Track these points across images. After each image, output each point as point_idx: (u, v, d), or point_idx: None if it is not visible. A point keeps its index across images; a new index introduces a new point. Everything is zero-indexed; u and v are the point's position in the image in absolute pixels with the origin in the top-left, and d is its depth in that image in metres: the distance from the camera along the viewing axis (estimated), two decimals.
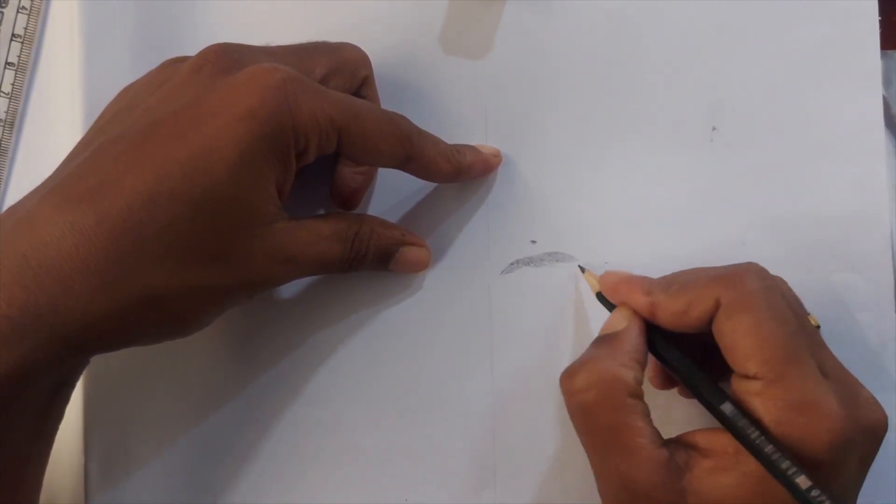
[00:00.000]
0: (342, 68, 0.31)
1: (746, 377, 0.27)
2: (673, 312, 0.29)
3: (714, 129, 0.35)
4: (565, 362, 0.33)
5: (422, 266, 0.34)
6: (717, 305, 0.28)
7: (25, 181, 0.35)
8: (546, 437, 0.34)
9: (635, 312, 0.30)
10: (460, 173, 0.32)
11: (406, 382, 0.34)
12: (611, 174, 0.35)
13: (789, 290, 0.30)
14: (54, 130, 0.35)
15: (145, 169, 0.25)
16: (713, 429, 0.28)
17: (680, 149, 0.35)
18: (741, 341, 0.27)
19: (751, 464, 0.26)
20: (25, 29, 0.35)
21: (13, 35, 0.35)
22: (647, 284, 0.30)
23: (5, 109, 0.35)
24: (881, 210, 0.34)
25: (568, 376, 0.29)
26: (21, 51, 0.35)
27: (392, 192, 0.35)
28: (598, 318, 0.34)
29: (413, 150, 0.30)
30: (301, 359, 0.34)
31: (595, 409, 0.28)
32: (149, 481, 0.33)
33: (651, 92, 0.35)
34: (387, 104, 0.34)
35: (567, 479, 0.34)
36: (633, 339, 0.29)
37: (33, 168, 0.35)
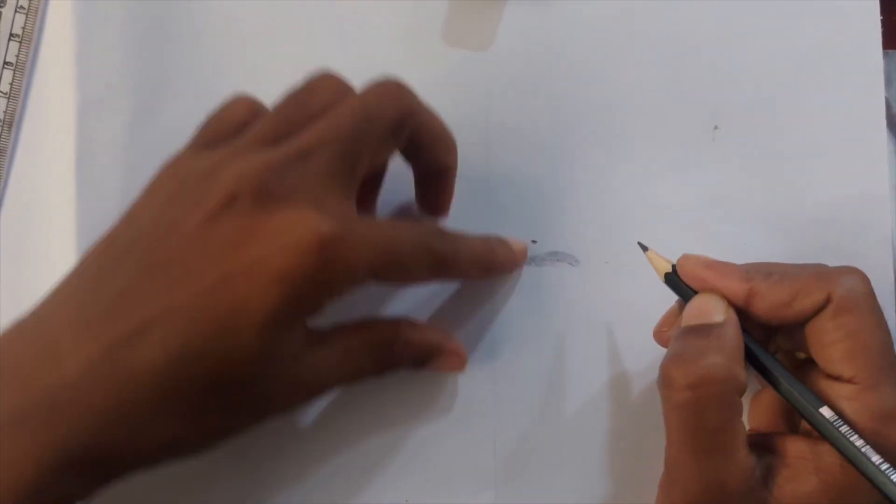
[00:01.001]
0: (386, 146, 0.29)
1: (837, 379, 0.27)
2: (773, 303, 0.27)
3: (716, 128, 0.35)
4: (566, 362, 0.33)
5: (457, 371, 0.33)
6: (827, 301, 0.27)
7: (24, 181, 0.35)
8: (546, 438, 0.34)
9: (729, 303, 0.28)
10: (490, 274, 0.33)
11: (406, 382, 0.34)
12: (612, 173, 0.35)
13: None
14: (52, 130, 0.35)
15: (177, 322, 0.25)
16: (790, 436, 0.28)
17: (682, 148, 0.35)
18: (843, 343, 0.26)
19: (834, 473, 0.26)
20: (24, 28, 0.35)
21: (11, 34, 0.35)
22: (744, 269, 0.28)
23: (4, 109, 0.34)
24: (882, 210, 0.34)
25: (677, 368, 0.27)
26: (19, 50, 0.35)
27: (392, 193, 0.35)
28: (598, 319, 0.34)
29: (446, 273, 0.30)
30: None
31: (709, 405, 0.26)
32: (147, 482, 0.33)
33: (653, 90, 0.35)
34: None
35: (567, 480, 0.34)
36: (735, 333, 0.28)
37: (32, 168, 0.35)
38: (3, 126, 0.35)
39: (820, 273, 0.28)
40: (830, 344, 0.27)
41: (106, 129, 0.34)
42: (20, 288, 0.34)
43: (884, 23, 0.35)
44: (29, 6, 0.35)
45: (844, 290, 0.27)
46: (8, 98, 0.35)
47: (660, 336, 0.32)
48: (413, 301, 0.34)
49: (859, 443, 0.25)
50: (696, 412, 0.26)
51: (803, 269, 0.28)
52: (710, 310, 0.28)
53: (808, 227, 0.34)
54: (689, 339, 0.28)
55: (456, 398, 0.34)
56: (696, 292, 0.29)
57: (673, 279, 0.30)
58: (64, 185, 0.33)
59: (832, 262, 0.34)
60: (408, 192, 0.35)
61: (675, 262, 0.30)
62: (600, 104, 0.35)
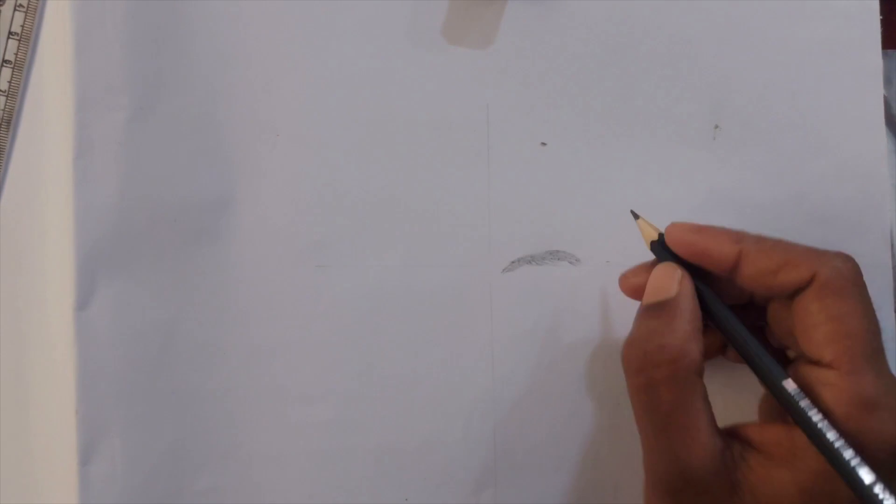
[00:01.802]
0: None
1: (817, 364, 0.26)
2: (760, 269, 0.27)
3: (717, 127, 0.35)
4: (567, 361, 0.33)
5: None
6: (812, 279, 0.26)
7: (22, 179, 0.35)
8: (546, 437, 0.34)
9: (684, 273, 0.28)
10: None
11: (406, 382, 0.34)
12: (613, 172, 0.35)
13: None
14: (50, 129, 0.35)
15: None
16: (766, 423, 0.27)
17: (682, 146, 0.35)
18: (826, 325, 0.26)
19: (807, 459, 0.25)
20: (22, 27, 0.35)
21: (10, 32, 0.34)
22: (735, 233, 0.28)
23: (2, 107, 0.34)
24: (883, 209, 0.34)
25: (631, 351, 0.27)
26: (18, 48, 0.34)
27: (392, 192, 0.35)
28: (598, 318, 0.34)
29: None
30: (300, 359, 0.34)
31: (661, 388, 0.26)
32: (146, 483, 0.33)
33: (654, 90, 0.35)
34: (388, 100, 0.34)
35: (567, 479, 0.34)
36: (690, 306, 0.27)
37: (30, 166, 0.35)
38: (1, 124, 0.34)
39: (812, 250, 0.27)
40: (812, 326, 0.26)
41: (104, 128, 0.34)
42: (18, 287, 0.34)
43: (883, 23, 0.35)
44: (28, 4, 0.34)
45: (831, 271, 0.26)
46: (6, 96, 0.34)
47: (623, 282, 0.31)
48: (413, 301, 0.34)
49: (817, 418, 0.25)
50: (649, 394, 0.27)
51: (797, 244, 0.28)
52: (664, 284, 0.28)
53: (808, 227, 0.34)
54: (643, 319, 0.28)
55: (456, 398, 0.34)
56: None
57: (657, 248, 0.29)
58: (62, 183, 0.33)
59: None
60: (408, 191, 0.35)
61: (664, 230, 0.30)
62: (600, 104, 0.35)
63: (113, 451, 0.33)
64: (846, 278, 0.26)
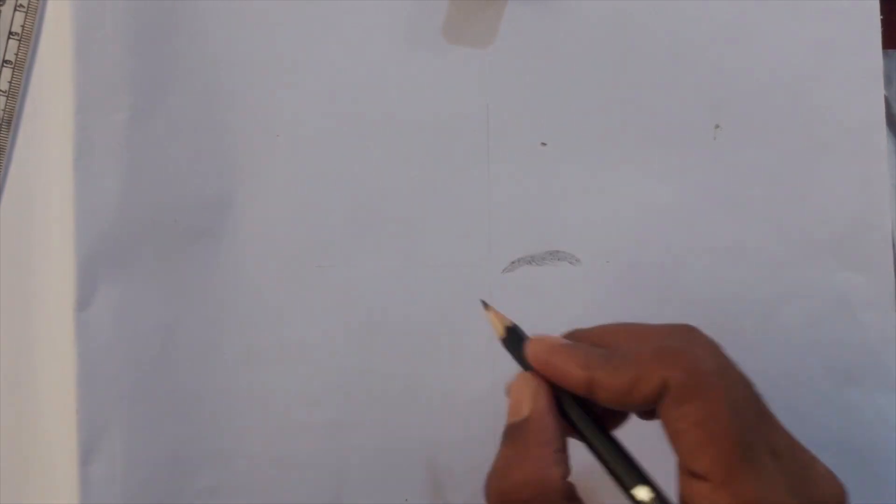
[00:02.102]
0: None
1: (694, 475, 0.23)
2: (614, 392, 0.24)
3: (717, 127, 0.35)
4: None
5: None
6: (665, 387, 0.24)
7: (23, 179, 0.35)
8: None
9: (540, 382, 0.26)
10: None
11: (406, 382, 0.34)
12: (613, 172, 0.35)
13: (730, 357, 0.26)
14: (50, 129, 0.35)
15: None
16: None
17: (683, 147, 0.35)
18: (690, 433, 0.23)
19: None
20: (23, 27, 0.35)
21: (10, 32, 0.34)
22: (583, 356, 0.25)
23: (3, 107, 0.34)
24: (883, 209, 0.34)
25: (489, 488, 0.25)
26: (18, 48, 0.34)
27: (392, 192, 0.35)
28: (598, 318, 0.34)
29: None
30: (300, 359, 0.34)
31: None
32: (146, 483, 0.33)
33: (655, 90, 0.35)
34: (388, 98, 0.34)
35: None
36: (547, 424, 0.25)
37: (30, 166, 0.35)
38: (1, 124, 0.34)
39: (657, 351, 0.24)
40: (679, 436, 0.24)
41: (104, 128, 0.34)
42: (18, 287, 0.34)
43: (884, 22, 0.35)
44: (28, 4, 0.34)
45: (682, 373, 0.23)
46: (7, 96, 0.34)
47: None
48: (413, 301, 0.34)
49: None
50: None
51: (644, 344, 0.25)
52: (519, 401, 0.26)
53: (808, 227, 0.34)
54: (504, 447, 0.26)
55: (456, 398, 0.34)
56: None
57: (510, 345, 0.28)
58: (62, 183, 0.33)
59: (833, 262, 0.34)
60: (408, 191, 0.35)
61: (513, 323, 0.28)
62: (600, 103, 0.35)
63: (113, 451, 0.33)
64: (701, 374, 0.24)
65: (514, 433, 0.26)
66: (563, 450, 0.25)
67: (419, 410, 0.34)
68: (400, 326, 0.34)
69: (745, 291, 0.35)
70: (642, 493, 0.24)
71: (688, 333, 0.25)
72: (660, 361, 0.24)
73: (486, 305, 0.29)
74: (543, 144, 0.35)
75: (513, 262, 0.35)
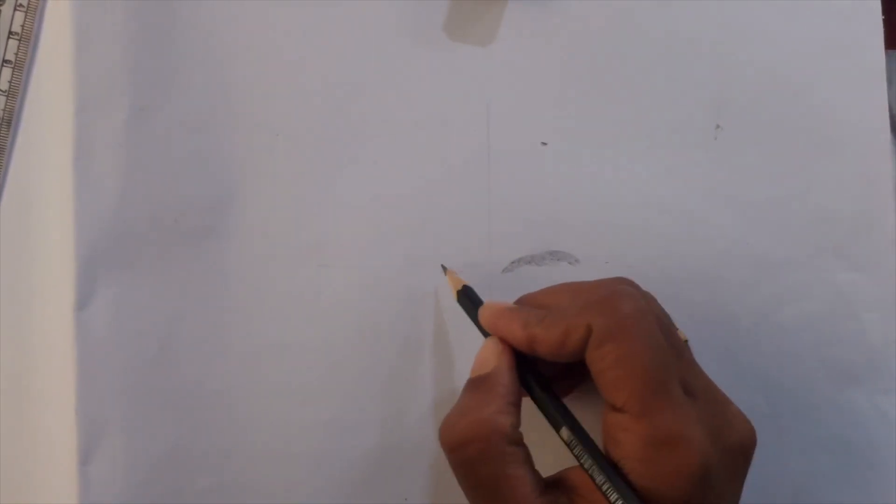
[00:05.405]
0: None
1: (616, 409, 0.26)
2: (551, 345, 0.27)
3: (718, 127, 0.35)
4: None
5: None
6: (589, 333, 0.26)
7: (23, 179, 0.35)
8: (546, 437, 0.34)
9: (504, 346, 0.29)
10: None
11: (406, 382, 0.34)
12: (614, 171, 0.35)
13: (659, 305, 0.28)
14: (50, 128, 0.35)
15: None
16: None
17: (684, 147, 0.35)
18: (610, 372, 0.26)
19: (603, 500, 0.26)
20: (23, 26, 0.35)
21: (10, 32, 0.34)
22: (523, 317, 0.28)
23: (2, 107, 0.34)
24: (885, 210, 0.34)
25: (446, 431, 0.28)
26: (18, 48, 0.34)
27: (392, 192, 0.35)
28: None
29: None
30: (300, 359, 0.34)
31: (476, 464, 0.27)
32: (146, 483, 0.33)
33: (656, 89, 0.35)
34: (388, 98, 0.34)
35: None
36: (505, 379, 0.28)
37: (30, 166, 0.35)
38: (1, 124, 0.34)
39: (584, 304, 0.27)
40: (599, 374, 0.26)
41: (104, 128, 0.33)
42: (18, 287, 0.34)
43: (886, 23, 0.35)
44: (28, 4, 0.34)
45: (604, 317, 0.26)
46: (7, 96, 0.34)
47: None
48: (413, 301, 0.34)
49: (588, 464, 0.26)
50: (465, 471, 0.27)
51: (574, 300, 0.28)
52: (484, 359, 0.29)
53: (810, 227, 0.34)
54: (462, 394, 0.29)
55: (456, 397, 0.34)
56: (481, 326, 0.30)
57: (463, 304, 0.31)
58: (62, 183, 0.33)
59: (835, 262, 0.34)
60: (409, 191, 0.35)
61: (466, 284, 0.32)
62: (601, 103, 0.35)
63: (113, 451, 0.33)
64: (619, 318, 0.26)
65: (474, 385, 0.29)
66: (516, 404, 0.28)
67: (419, 410, 0.34)
68: (400, 326, 0.34)
69: (745, 291, 0.35)
70: (564, 433, 0.27)
71: (616, 284, 0.28)
72: (585, 311, 0.27)
73: (444, 269, 0.33)
74: (544, 144, 0.35)
75: (513, 262, 0.35)
